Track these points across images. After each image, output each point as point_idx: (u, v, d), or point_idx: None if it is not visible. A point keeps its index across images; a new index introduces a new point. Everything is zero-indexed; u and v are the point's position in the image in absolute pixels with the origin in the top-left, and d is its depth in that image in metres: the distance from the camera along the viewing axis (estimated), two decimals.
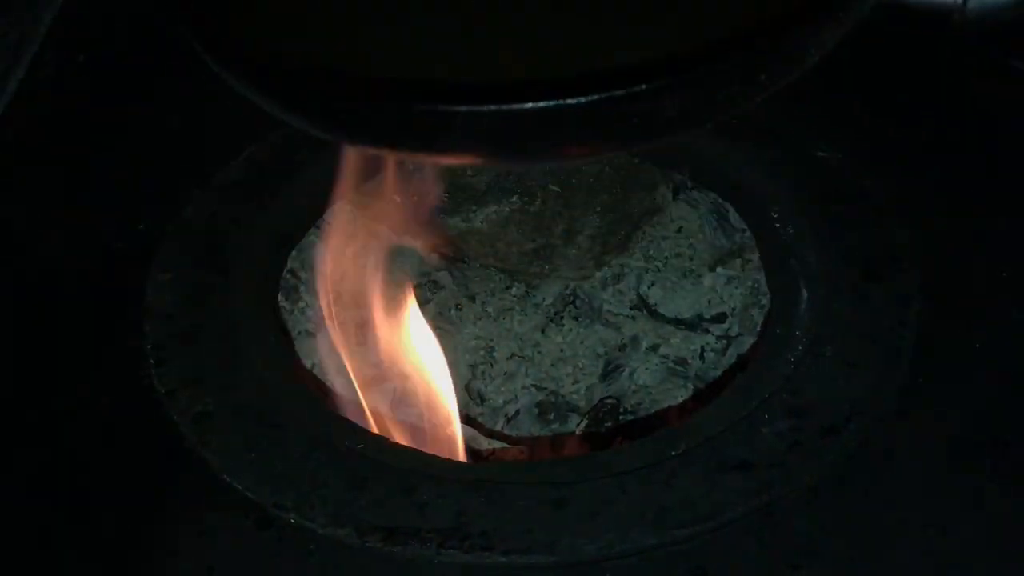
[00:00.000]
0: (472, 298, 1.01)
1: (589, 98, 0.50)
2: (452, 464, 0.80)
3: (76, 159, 1.05)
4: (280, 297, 0.95)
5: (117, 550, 0.78)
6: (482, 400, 0.97)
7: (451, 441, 0.87)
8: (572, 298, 1.00)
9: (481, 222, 0.94)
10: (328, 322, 0.90)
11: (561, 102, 0.51)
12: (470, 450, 0.90)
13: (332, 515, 0.78)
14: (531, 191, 0.95)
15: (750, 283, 0.99)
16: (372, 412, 0.88)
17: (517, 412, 0.96)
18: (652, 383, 0.97)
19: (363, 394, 0.88)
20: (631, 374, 0.97)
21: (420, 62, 0.56)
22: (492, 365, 0.98)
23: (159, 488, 0.81)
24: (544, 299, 1.01)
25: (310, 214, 0.96)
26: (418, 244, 0.98)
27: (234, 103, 1.08)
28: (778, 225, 0.93)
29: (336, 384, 0.91)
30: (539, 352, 0.99)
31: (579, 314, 0.99)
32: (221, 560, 0.77)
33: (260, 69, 0.58)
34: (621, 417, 0.94)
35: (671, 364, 0.97)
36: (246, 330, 0.87)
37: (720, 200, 1.01)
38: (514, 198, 0.94)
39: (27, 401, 0.87)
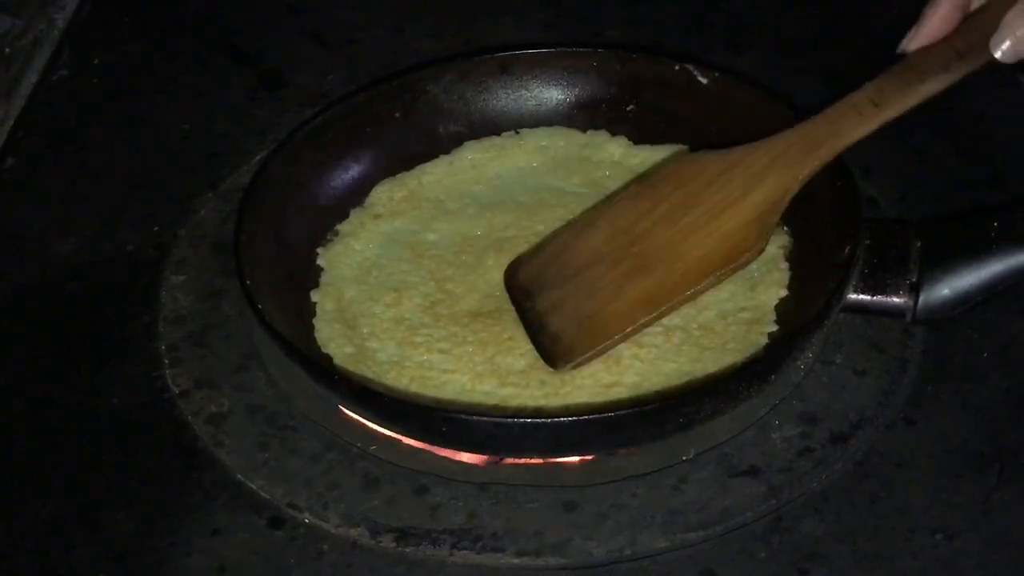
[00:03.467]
0: None
1: None
2: (465, 466, 0.81)
3: (90, 162, 1.06)
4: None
5: (131, 548, 0.78)
6: None
7: None
8: None
9: None
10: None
11: None
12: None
13: (345, 515, 0.78)
14: None
15: None
16: None
17: None
18: None
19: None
20: None
21: None
22: None
23: (173, 487, 0.81)
24: None
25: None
26: None
27: (246, 108, 1.11)
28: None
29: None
30: None
31: None
32: (234, 558, 0.77)
33: None
34: None
35: None
36: (259, 331, 0.88)
37: None
38: None
39: (42, 401, 0.87)
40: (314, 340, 0.87)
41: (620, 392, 0.83)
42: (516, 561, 0.76)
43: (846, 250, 0.82)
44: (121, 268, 0.96)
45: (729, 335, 0.85)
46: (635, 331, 0.84)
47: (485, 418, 0.77)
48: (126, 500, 0.81)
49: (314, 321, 0.88)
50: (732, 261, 0.84)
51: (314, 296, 0.90)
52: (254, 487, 0.80)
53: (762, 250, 0.84)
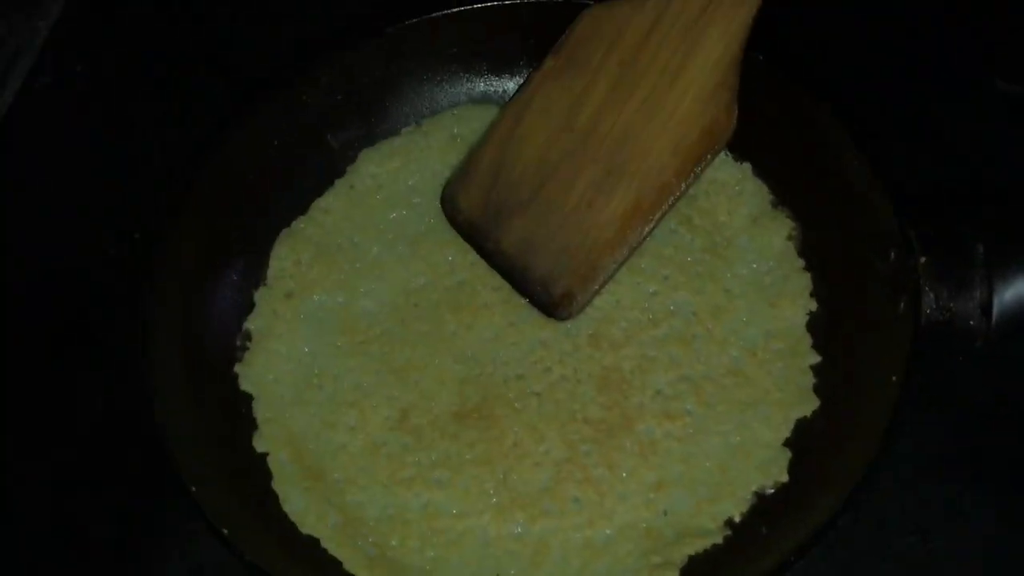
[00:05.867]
0: None
1: None
2: None
3: (73, 166, 1.06)
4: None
5: (111, 551, 0.79)
6: None
7: None
8: None
9: None
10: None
11: None
12: None
13: None
14: None
15: None
16: None
17: None
18: None
19: None
20: None
21: None
22: None
23: (155, 495, 0.81)
24: None
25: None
26: None
27: (226, 112, 1.10)
28: None
29: None
30: None
31: None
32: (211, 563, 0.78)
33: None
34: None
35: None
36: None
37: None
38: None
39: (24, 406, 0.87)
40: (286, 518, 0.73)
41: (670, 493, 0.72)
42: None
43: (891, 256, 0.68)
44: (103, 274, 0.95)
45: (768, 380, 0.74)
46: (630, 254, 0.71)
47: None
48: (106, 503, 0.81)
49: (274, 487, 0.74)
50: (711, 144, 0.70)
51: (258, 445, 0.76)
52: None
53: (735, 123, 0.70)
